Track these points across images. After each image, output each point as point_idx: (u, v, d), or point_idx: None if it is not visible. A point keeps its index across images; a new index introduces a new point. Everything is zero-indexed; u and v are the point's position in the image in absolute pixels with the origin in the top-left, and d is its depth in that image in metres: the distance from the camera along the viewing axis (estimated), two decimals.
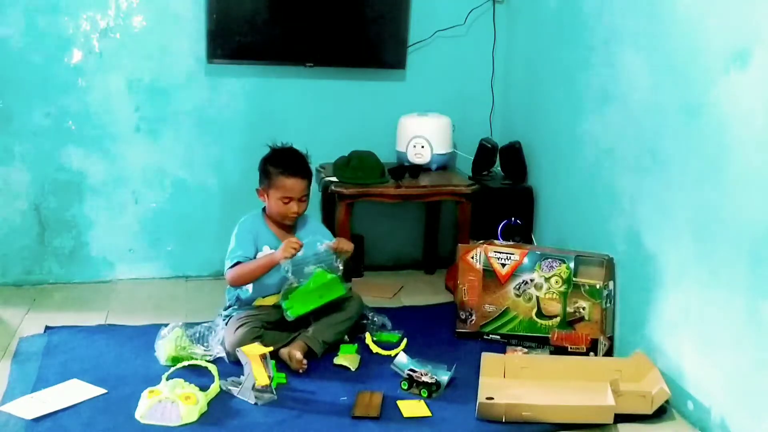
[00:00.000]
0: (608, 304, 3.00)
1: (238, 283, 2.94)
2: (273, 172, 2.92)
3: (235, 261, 2.90)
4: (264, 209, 3.03)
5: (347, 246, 2.95)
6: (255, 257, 2.92)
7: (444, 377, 2.71)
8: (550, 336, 3.06)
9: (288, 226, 3.01)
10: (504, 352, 3.00)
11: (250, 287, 2.97)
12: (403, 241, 4.04)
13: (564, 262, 3.03)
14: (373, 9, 3.70)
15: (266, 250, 2.95)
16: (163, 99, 3.60)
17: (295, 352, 2.76)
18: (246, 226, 2.99)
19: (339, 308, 2.96)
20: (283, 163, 2.93)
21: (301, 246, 2.81)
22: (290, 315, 2.85)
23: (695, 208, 2.55)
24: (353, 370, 2.81)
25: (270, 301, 2.96)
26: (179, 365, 2.68)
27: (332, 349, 2.91)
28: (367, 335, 3.02)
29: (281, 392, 2.62)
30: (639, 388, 2.64)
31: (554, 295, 3.04)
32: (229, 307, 3.02)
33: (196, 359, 2.76)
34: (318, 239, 2.95)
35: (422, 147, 3.66)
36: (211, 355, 2.83)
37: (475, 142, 3.82)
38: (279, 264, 2.83)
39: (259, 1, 3.56)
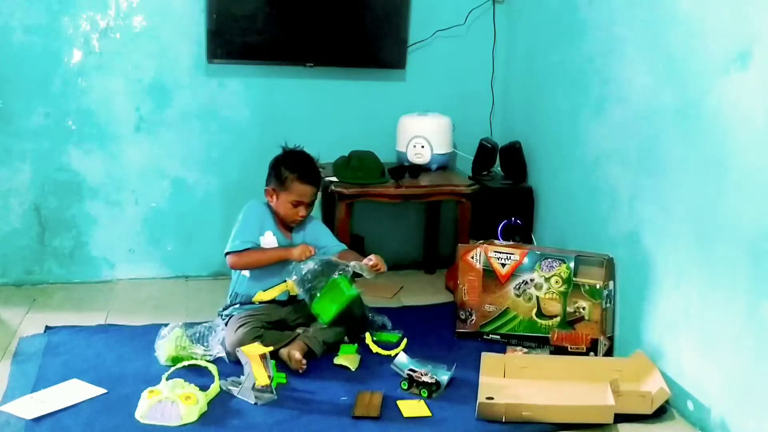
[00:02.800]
0: (608, 304, 3.00)
1: (240, 268, 2.97)
2: (287, 176, 2.93)
3: (244, 248, 2.91)
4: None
5: (383, 266, 2.96)
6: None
7: (444, 377, 2.71)
8: (550, 336, 3.06)
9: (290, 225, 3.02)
10: (504, 352, 3.00)
11: (247, 273, 2.98)
12: (403, 241, 4.04)
13: (564, 262, 3.03)
14: (373, 9, 3.70)
15: (269, 236, 2.97)
16: (163, 99, 3.61)
17: (294, 353, 2.76)
18: (255, 211, 3.01)
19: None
20: (298, 168, 2.94)
21: (313, 254, 2.87)
22: (324, 321, 2.88)
23: (695, 208, 2.55)
24: (353, 370, 2.81)
25: (270, 294, 2.96)
26: (179, 365, 2.68)
27: (332, 349, 2.91)
28: (367, 335, 3.02)
29: (281, 392, 2.62)
30: (639, 388, 2.64)
31: (554, 295, 3.04)
32: (229, 306, 3.02)
33: (196, 359, 2.76)
34: (325, 249, 3.03)
35: (422, 147, 3.66)
36: (211, 355, 2.83)
37: (475, 142, 3.82)
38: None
39: (259, 1, 3.56)
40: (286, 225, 3.03)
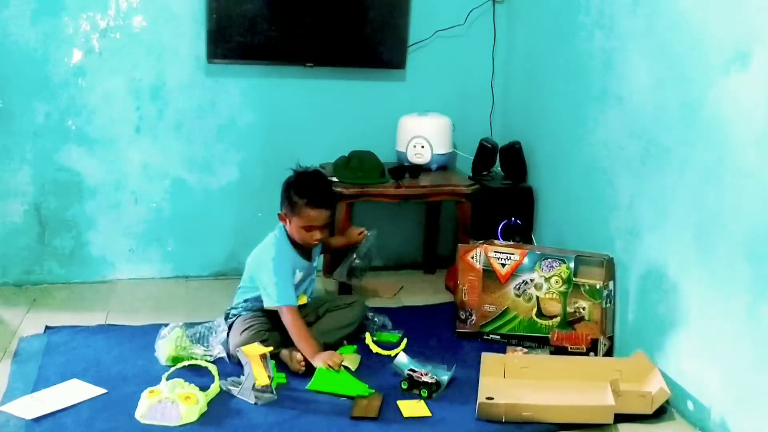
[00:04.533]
0: (608, 304, 3.00)
1: (287, 326, 2.82)
2: (297, 202, 2.84)
3: (293, 304, 2.83)
4: (283, 230, 2.95)
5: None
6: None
7: (444, 377, 2.71)
8: (550, 336, 3.06)
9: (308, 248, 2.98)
10: (504, 352, 3.00)
11: None
12: (403, 241, 4.04)
13: (564, 262, 3.03)
14: (373, 9, 3.70)
15: (297, 275, 2.91)
16: (163, 99, 3.60)
17: (295, 353, 2.76)
18: (283, 261, 2.88)
19: (343, 313, 3.00)
20: (308, 192, 2.84)
21: (341, 363, 2.73)
22: None
23: (695, 208, 2.55)
24: (354, 369, 2.81)
25: None
26: (179, 365, 2.68)
27: (333, 349, 2.91)
28: (367, 335, 3.03)
29: (281, 392, 2.62)
30: (639, 388, 2.64)
31: (554, 295, 3.04)
32: (237, 306, 3.00)
33: (196, 359, 2.76)
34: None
35: (422, 147, 3.66)
36: (211, 356, 2.83)
37: (475, 142, 3.82)
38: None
39: (259, 1, 3.55)
40: (303, 248, 2.96)
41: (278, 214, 2.95)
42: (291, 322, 2.80)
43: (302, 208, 2.84)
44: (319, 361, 2.71)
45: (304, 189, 2.85)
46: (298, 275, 2.94)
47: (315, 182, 2.91)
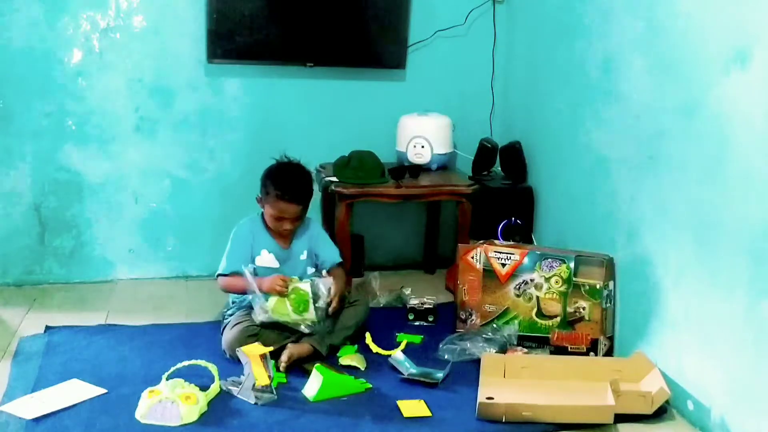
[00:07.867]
0: (608, 304, 3.00)
1: (225, 290, 3.01)
2: (270, 191, 2.92)
3: (230, 271, 2.94)
4: (261, 212, 3.03)
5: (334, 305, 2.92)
6: (249, 263, 2.94)
7: (439, 375, 2.74)
8: (550, 336, 3.06)
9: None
10: (504, 352, 3.00)
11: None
12: (403, 241, 4.04)
13: (564, 262, 3.03)
14: (373, 9, 3.70)
15: (264, 255, 2.98)
16: (163, 99, 3.61)
17: (284, 353, 2.76)
18: (243, 232, 3.01)
19: (347, 312, 2.98)
20: (281, 185, 2.90)
21: (286, 285, 2.80)
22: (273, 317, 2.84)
23: (695, 208, 2.55)
24: (362, 369, 2.81)
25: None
26: (179, 365, 2.67)
27: (335, 350, 2.91)
28: (367, 335, 3.02)
29: (281, 392, 2.62)
30: (639, 388, 2.64)
31: (554, 295, 3.04)
32: (230, 307, 3.02)
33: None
34: (322, 261, 3.07)
35: (422, 147, 3.66)
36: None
37: (475, 142, 3.82)
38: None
39: (259, 1, 3.56)
40: (280, 234, 3.00)
41: (256, 198, 3.01)
42: (224, 286, 2.96)
43: (273, 198, 2.90)
44: (266, 287, 2.78)
45: (278, 181, 2.91)
46: (268, 256, 2.98)
47: (290, 176, 2.95)
